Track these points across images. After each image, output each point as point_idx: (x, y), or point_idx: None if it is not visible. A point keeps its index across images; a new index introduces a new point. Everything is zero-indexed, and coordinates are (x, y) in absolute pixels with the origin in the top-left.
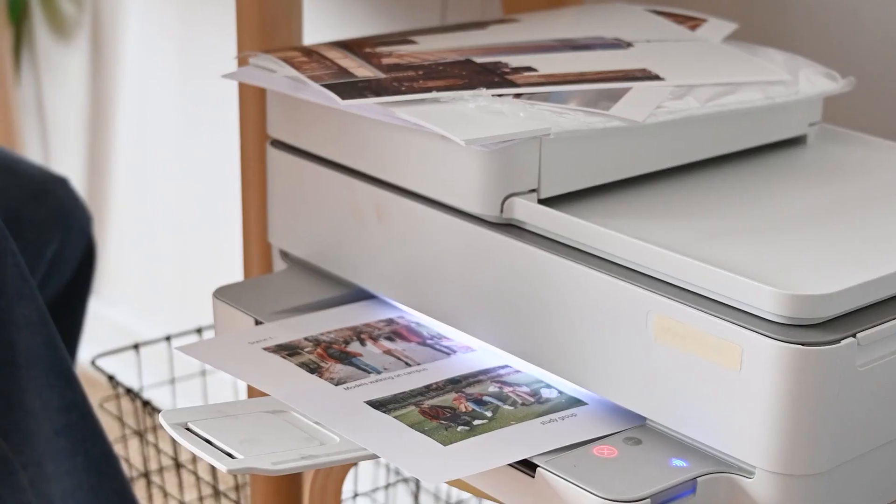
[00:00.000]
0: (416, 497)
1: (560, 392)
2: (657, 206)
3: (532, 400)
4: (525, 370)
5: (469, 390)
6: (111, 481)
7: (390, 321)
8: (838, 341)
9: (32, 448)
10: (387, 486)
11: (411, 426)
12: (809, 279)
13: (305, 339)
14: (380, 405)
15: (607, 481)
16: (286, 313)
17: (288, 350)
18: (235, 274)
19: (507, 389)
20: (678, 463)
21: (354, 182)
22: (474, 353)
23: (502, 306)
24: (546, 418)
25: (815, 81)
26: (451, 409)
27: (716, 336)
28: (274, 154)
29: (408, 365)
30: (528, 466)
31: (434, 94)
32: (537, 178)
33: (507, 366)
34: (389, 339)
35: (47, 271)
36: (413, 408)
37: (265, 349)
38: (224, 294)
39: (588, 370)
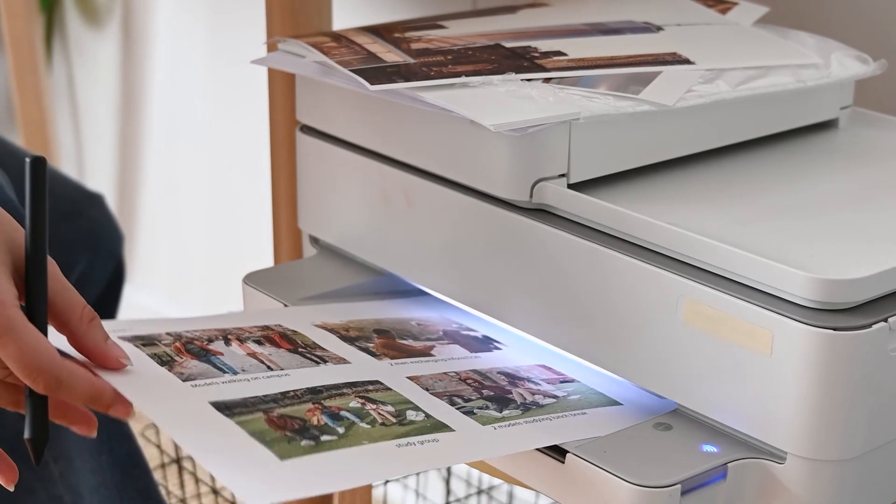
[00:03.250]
0: (447, 482)
1: (427, 416)
2: (687, 191)
3: (394, 420)
4: (396, 389)
5: (328, 402)
6: (136, 480)
7: (265, 327)
8: (870, 326)
9: (63, 442)
10: (418, 472)
11: (252, 434)
12: (841, 263)
13: (167, 333)
14: (225, 408)
15: (637, 467)
16: (316, 299)
17: (143, 340)
18: (266, 259)
19: (369, 406)
20: (709, 448)
21: (384, 167)
22: (347, 365)
23: (532, 291)
24: (403, 441)
25: (846, 64)
26: (301, 421)
27: (747, 321)
28: (303, 139)
29: (269, 369)
30: (558, 452)
31: (463, 79)
32: (567, 163)
33: (377, 381)
34: (258, 342)
35: None
36: (261, 415)
37: (120, 338)
38: (254, 280)
39: (618, 355)
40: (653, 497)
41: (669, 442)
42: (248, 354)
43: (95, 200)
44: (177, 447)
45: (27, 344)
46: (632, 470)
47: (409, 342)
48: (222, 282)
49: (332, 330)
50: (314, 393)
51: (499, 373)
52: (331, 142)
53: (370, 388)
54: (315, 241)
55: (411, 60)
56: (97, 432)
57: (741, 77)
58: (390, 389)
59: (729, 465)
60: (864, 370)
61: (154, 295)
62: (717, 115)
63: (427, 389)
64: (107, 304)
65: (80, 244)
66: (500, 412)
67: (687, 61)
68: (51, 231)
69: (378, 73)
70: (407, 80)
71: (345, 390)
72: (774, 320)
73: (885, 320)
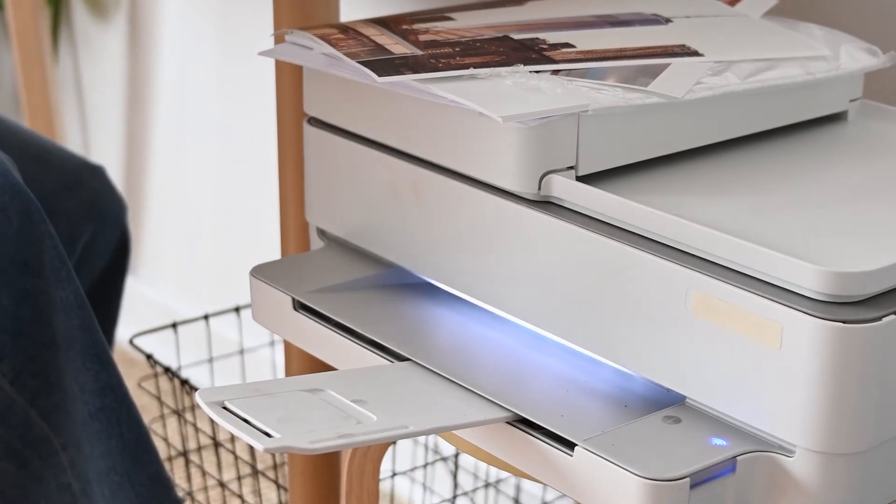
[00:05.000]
0: (454, 476)
1: None
2: (696, 183)
3: None
4: None
5: None
6: (146, 465)
7: None
8: (880, 318)
9: (71, 429)
10: (425, 465)
11: None
12: (850, 256)
13: None
14: None
15: (646, 460)
16: (323, 291)
17: None
18: (274, 252)
19: None
20: (718, 442)
21: (391, 159)
22: None
23: (540, 284)
24: None
25: (855, 57)
26: None
27: (756, 314)
28: (311, 131)
29: None
30: (566, 445)
31: (471, 71)
32: (575, 155)
33: None
34: None
35: (78, 263)
36: None
37: None
38: (261, 272)
39: (627, 348)
40: (662, 490)
41: (678, 435)
42: None
43: (96, 171)
44: (184, 440)
45: None
46: (641, 463)
47: None
48: (231, 275)
49: None
50: None
51: None
52: (338, 134)
53: None
54: (322, 233)
55: (419, 52)
56: (106, 417)
57: (750, 69)
58: None
59: (738, 458)
60: (874, 363)
61: (162, 288)
62: (725, 108)
63: None
64: (113, 274)
65: (83, 215)
66: None
67: (696, 53)
68: (52, 203)
69: (386, 64)
70: (415, 71)
71: None
72: (784, 313)
73: (895, 313)
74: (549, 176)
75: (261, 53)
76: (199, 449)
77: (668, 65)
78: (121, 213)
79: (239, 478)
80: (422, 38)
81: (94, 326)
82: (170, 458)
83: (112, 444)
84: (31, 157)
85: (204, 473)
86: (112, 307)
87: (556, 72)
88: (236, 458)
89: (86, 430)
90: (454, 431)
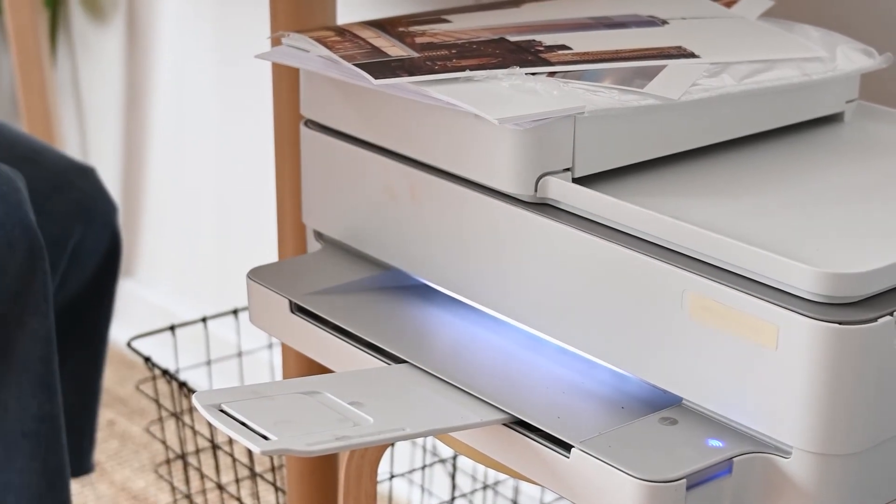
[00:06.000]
0: (452, 478)
1: None
2: (692, 185)
3: None
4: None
5: None
6: (59, 493)
7: None
8: (875, 319)
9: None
10: (423, 467)
11: None
12: (846, 257)
13: None
14: None
15: (643, 462)
16: (320, 294)
17: None
18: (273, 255)
19: None
20: (714, 443)
21: (388, 162)
22: None
23: (536, 286)
24: None
25: (852, 58)
26: None
27: (752, 315)
28: (308, 134)
29: None
30: (563, 447)
31: (467, 73)
32: (571, 157)
33: None
34: None
35: (69, 264)
36: None
37: None
38: (258, 275)
39: (623, 350)
40: (658, 492)
41: (675, 437)
42: None
43: (86, 172)
44: (182, 443)
45: None
46: (637, 464)
47: None
48: (229, 278)
49: None
50: None
51: None
52: (335, 136)
53: None
54: (319, 236)
55: (415, 55)
56: (36, 441)
57: (746, 71)
58: None
59: (734, 459)
60: (869, 364)
61: (160, 291)
62: (722, 109)
63: None
64: (105, 275)
65: (72, 216)
66: None
67: (692, 55)
68: (42, 205)
69: (382, 67)
70: (411, 74)
71: None
72: (780, 314)
73: (891, 314)
74: (546, 178)
75: (257, 56)
76: (198, 451)
77: (664, 66)
78: (111, 214)
79: (237, 480)
80: (418, 40)
81: (53, 360)
82: (168, 461)
83: (34, 465)
84: (21, 158)
85: (202, 476)
86: (104, 308)
87: (552, 74)
88: (234, 460)
89: (14, 444)
90: (451, 433)
